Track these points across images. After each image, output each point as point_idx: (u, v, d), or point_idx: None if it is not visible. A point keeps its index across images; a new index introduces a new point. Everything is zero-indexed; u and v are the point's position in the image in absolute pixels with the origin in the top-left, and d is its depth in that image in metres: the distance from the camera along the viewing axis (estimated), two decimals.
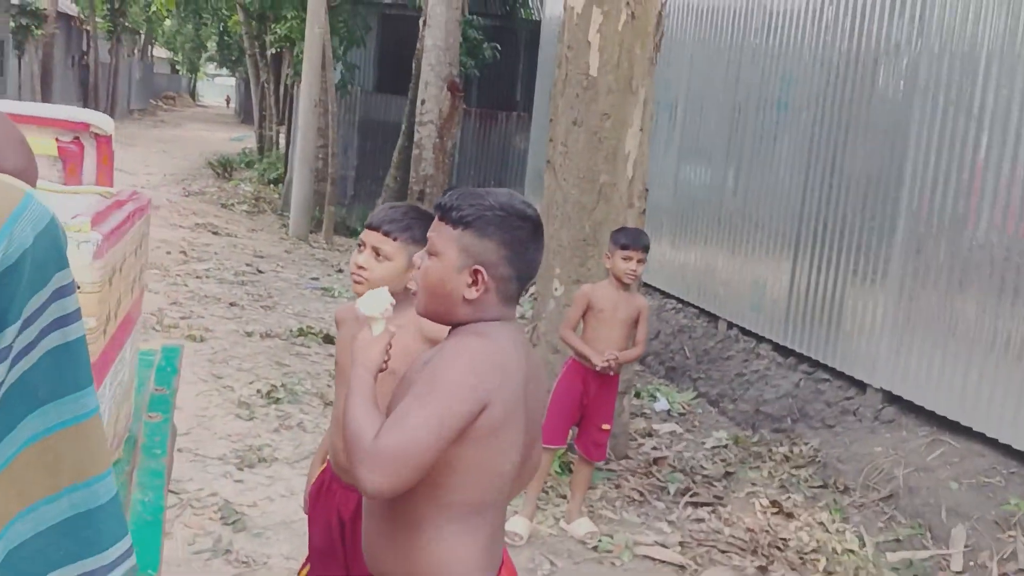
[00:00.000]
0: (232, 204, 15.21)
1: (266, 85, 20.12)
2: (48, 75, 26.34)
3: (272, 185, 16.90)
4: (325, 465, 2.47)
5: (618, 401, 5.40)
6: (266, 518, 4.23)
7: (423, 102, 8.30)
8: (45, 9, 25.66)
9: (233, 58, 31.58)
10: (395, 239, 2.32)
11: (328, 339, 7.23)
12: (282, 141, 18.57)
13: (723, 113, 7.87)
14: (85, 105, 32.26)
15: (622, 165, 5.11)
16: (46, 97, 26.32)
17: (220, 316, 7.69)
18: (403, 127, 11.38)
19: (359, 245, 2.39)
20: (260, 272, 9.76)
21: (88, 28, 31.32)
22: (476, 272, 1.71)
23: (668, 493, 5.10)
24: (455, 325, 1.79)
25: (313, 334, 7.44)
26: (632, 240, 4.25)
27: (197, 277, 9.19)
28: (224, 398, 5.70)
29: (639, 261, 4.23)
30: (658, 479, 5.29)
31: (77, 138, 2.25)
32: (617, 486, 5.15)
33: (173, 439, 2.54)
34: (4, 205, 1.20)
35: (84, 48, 33.06)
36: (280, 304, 8.52)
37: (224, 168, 18.50)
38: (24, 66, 26.31)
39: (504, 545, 1.88)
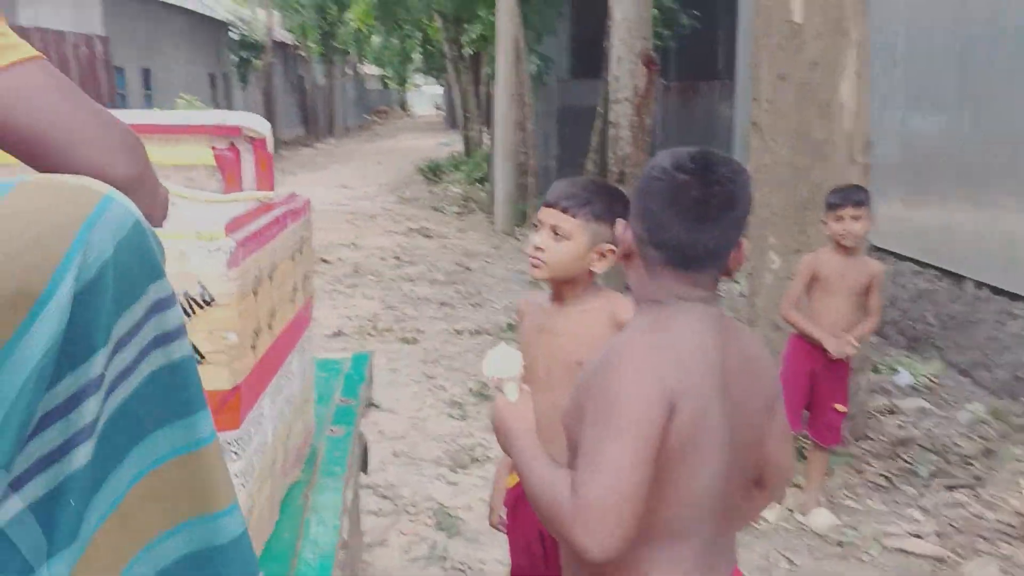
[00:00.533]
0: (442, 207, 15.51)
1: (467, 87, 20.43)
2: (270, 102, 28.13)
3: (479, 184, 17.11)
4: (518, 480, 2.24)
5: (853, 379, 4.89)
6: (480, 522, 4.08)
7: (616, 79, 7.98)
8: (262, 40, 27.37)
9: (437, 66, 32.43)
10: (574, 216, 2.05)
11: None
12: (486, 140, 18.78)
13: (951, 50, 7.02)
14: (306, 126, 34.30)
15: (838, 118, 4.59)
16: (270, 122, 28.11)
17: (431, 316, 7.73)
18: (599, 109, 11.11)
19: (535, 225, 2.15)
20: (469, 270, 9.79)
21: (302, 53, 33.18)
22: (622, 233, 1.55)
23: (918, 476, 4.54)
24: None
25: None
26: (842, 198, 3.78)
27: (410, 280, 9.34)
28: (437, 398, 5.67)
29: (854, 219, 3.74)
30: (905, 461, 4.73)
31: (232, 144, 2.14)
32: (858, 471, 4.64)
33: (359, 452, 2.39)
34: (77, 211, 1.02)
35: (300, 73, 35.07)
36: (488, 300, 8.48)
37: (433, 173, 18.94)
38: (248, 96, 28.19)
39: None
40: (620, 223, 1.56)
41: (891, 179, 7.68)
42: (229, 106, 27.88)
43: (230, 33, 27.25)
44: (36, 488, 0.98)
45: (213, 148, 2.12)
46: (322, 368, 2.89)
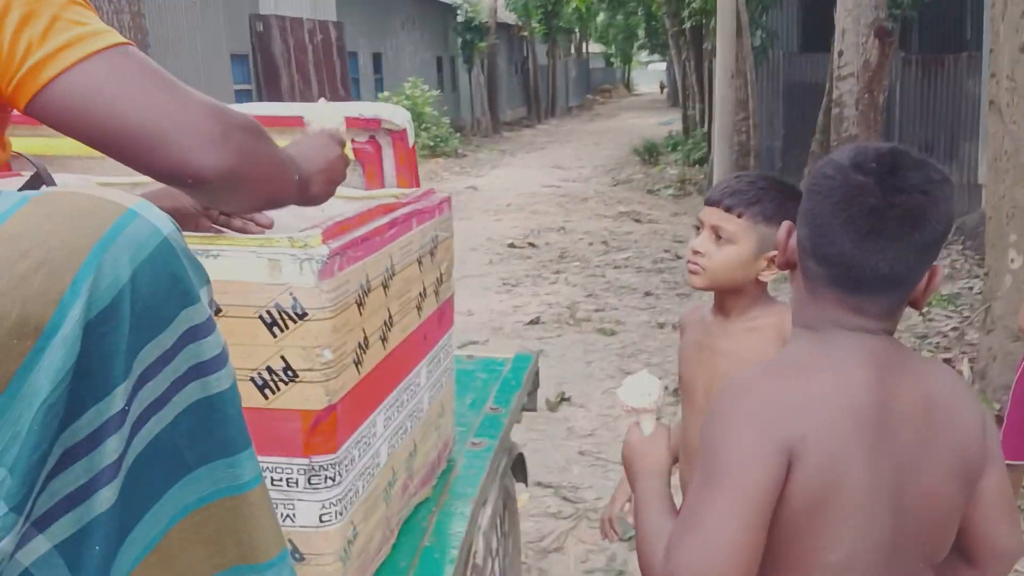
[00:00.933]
0: (658, 189, 15.14)
1: (687, 64, 19.84)
2: (494, 83, 28.61)
3: (697, 166, 16.57)
4: None
5: None
6: None
7: (840, 54, 7.35)
8: (487, 22, 27.84)
9: (660, 42, 31.84)
10: (739, 215, 1.78)
11: None
12: (706, 119, 18.18)
13: None
14: (528, 107, 34.71)
15: None
16: (493, 104, 28.64)
17: (634, 307, 7.48)
18: (827, 86, 10.37)
19: (695, 227, 1.89)
20: (678, 258, 9.42)
21: (526, 34, 33.52)
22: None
23: None
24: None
25: None
26: None
27: (616, 267, 9.12)
28: None
29: None
30: None
31: (373, 137, 2.02)
32: None
33: (507, 465, 2.23)
34: (89, 230, 0.91)
35: (524, 54, 35.47)
36: (696, 292, 8.11)
37: (649, 153, 18.55)
38: (473, 78, 28.81)
39: None
40: (785, 225, 1.30)
41: None
42: (455, 88, 28.62)
43: (456, 16, 27.92)
44: (63, 528, 0.93)
45: (353, 141, 2.00)
46: (483, 368, 2.76)
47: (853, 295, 1.20)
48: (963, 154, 12.34)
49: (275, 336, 1.36)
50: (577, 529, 3.93)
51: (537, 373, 2.83)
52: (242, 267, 1.36)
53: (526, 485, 2.76)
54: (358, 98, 20.93)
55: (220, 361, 1.02)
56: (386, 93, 20.40)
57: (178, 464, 1.00)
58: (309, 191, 1.33)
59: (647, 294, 7.92)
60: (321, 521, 1.42)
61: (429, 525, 1.78)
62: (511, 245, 10.24)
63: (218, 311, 1.38)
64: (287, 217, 1.87)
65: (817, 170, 1.25)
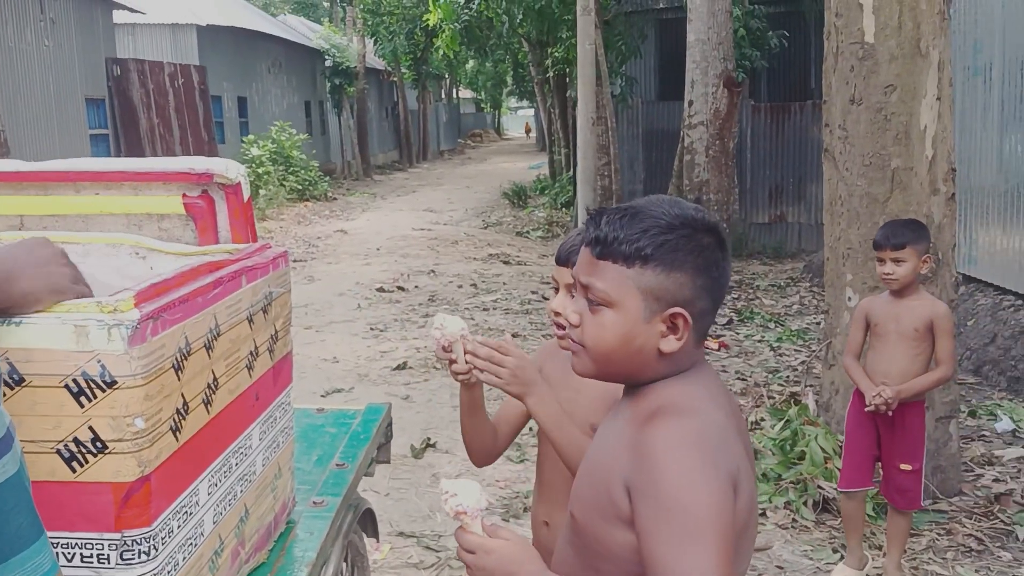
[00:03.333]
0: (527, 231, 15.35)
1: (552, 111, 20.29)
2: (364, 127, 28.53)
3: (564, 209, 16.92)
4: None
5: (941, 427, 4.48)
6: None
7: (691, 103, 7.66)
8: (355, 67, 27.80)
9: (528, 89, 32.47)
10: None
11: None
12: (572, 163, 18.61)
13: None
14: (399, 151, 34.71)
15: (918, 144, 4.22)
16: (363, 147, 28.52)
17: None
18: (681, 133, 10.81)
19: (553, 287, 1.92)
20: (546, 299, 9.54)
21: (395, 79, 33.62)
22: (675, 317, 1.27)
23: (1016, 539, 4.10)
24: (637, 384, 1.34)
25: None
26: (883, 237, 3.38)
27: (484, 309, 9.16)
28: None
29: (896, 261, 3.34)
30: (1002, 521, 4.29)
31: (206, 191, 1.97)
32: (948, 531, 4.22)
33: (351, 522, 2.18)
34: None
35: (394, 98, 35.54)
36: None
37: (518, 197, 18.83)
38: (342, 121, 28.66)
39: None
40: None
41: (987, 206, 7.17)
42: (324, 131, 28.40)
43: (324, 60, 27.78)
44: None
45: (184, 196, 1.96)
46: (333, 422, 2.71)
47: (708, 328, 1.32)
48: (810, 195, 13.01)
49: (82, 406, 1.30)
50: None
51: (390, 424, 2.80)
52: (47, 334, 1.30)
53: (377, 540, 2.71)
54: (222, 142, 20.50)
55: (4, 445, 0.97)
56: (251, 136, 20.06)
57: None
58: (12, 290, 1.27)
59: (515, 335, 7.98)
60: None
61: None
62: (380, 289, 10.17)
63: (20, 381, 1.32)
64: (114, 278, 1.81)
65: (692, 245, 1.27)
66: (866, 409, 3.46)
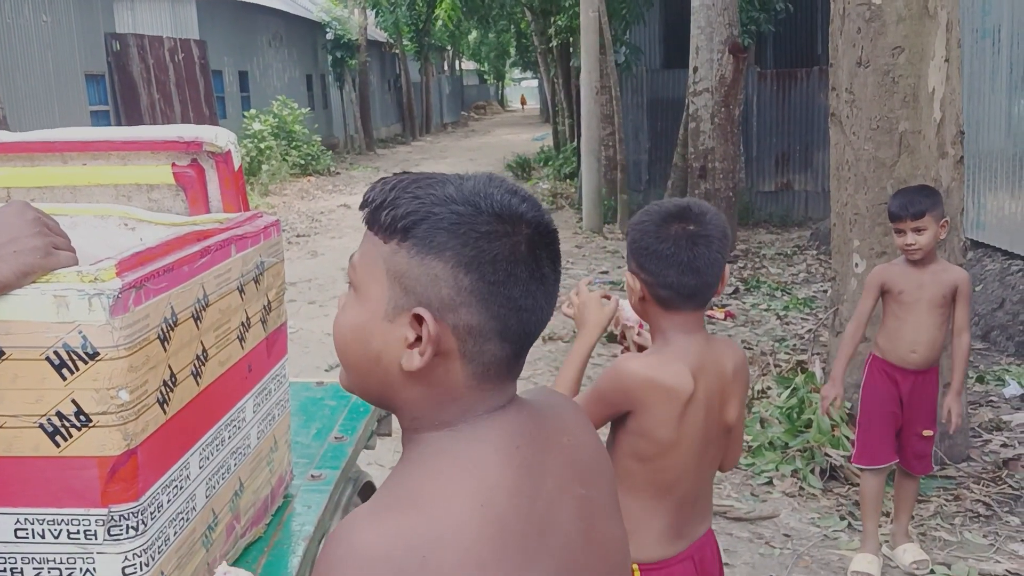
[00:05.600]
0: None
1: (556, 80, 20.13)
2: (366, 101, 28.36)
3: (568, 180, 16.81)
4: None
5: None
6: None
7: (695, 70, 7.57)
8: (357, 39, 27.60)
9: (531, 60, 32.25)
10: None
11: (612, 338, 6.77)
12: (576, 134, 18.48)
13: None
14: (402, 124, 34.53)
15: (926, 107, 4.15)
16: (366, 121, 28.37)
17: None
18: (686, 101, 10.68)
19: None
20: None
21: (397, 52, 33.39)
22: (417, 319, 0.91)
23: None
24: (409, 427, 0.98)
25: None
26: (901, 207, 3.28)
27: None
28: None
29: (917, 231, 3.26)
30: (1011, 486, 4.26)
31: (195, 160, 1.92)
32: (956, 497, 4.19)
33: (343, 498, 2.15)
34: None
35: (397, 71, 35.31)
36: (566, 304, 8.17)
37: (522, 168, 18.73)
38: (344, 95, 28.49)
39: None
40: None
41: (996, 169, 7.08)
42: (326, 105, 28.23)
43: (326, 33, 27.58)
44: None
45: (174, 165, 1.91)
46: (332, 395, 2.68)
47: (511, 365, 0.99)
48: (816, 163, 12.89)
49: (64, 379, 1.26)
50: None
51: None
52: (26, 305, 1.25)
53: None
54: (224, 117, 20.39)
55: None
56: (253, 111, 19.94)
57: None
58: None
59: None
60: (124, 574, 1.32)
61: (259, 567, 1.69)
62: None
63: (0, 354, 1.28)
64: (103, 250, 1.77)
65: (465, 230, 0.90)
66: (819, 413, 3.45)
